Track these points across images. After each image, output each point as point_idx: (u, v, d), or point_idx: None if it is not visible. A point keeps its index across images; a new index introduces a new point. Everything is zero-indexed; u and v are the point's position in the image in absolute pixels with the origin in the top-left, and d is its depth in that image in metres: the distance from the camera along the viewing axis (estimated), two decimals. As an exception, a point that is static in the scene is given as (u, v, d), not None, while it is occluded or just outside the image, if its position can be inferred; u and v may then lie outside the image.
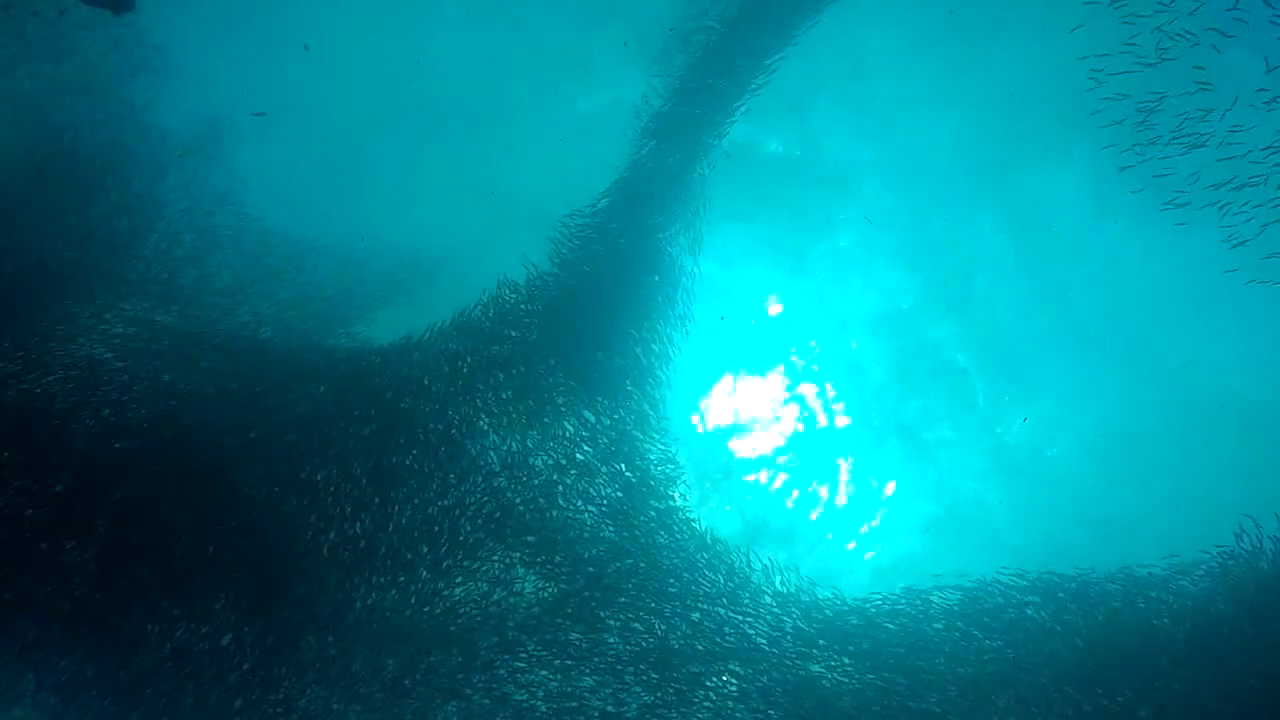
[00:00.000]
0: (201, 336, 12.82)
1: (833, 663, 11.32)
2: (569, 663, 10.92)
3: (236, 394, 11.87)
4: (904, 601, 11.86)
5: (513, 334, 12.45)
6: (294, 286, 14.92)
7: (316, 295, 15.10)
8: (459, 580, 11.11)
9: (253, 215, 15.23)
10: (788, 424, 18.15)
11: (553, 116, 17.93)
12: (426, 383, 11.99)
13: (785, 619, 11.79)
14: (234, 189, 15.38)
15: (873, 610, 11.99)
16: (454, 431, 11.71)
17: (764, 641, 11.47)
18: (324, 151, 17.47)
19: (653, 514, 12.14)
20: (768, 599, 11.91)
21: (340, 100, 17.31)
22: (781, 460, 18.15)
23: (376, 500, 11.23)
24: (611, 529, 11.73)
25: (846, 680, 11.09)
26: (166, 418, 11.46)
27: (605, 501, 11.95)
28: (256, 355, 12.71)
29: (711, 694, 10.98)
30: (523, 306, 12.65)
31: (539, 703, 10.76)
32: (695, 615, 11.41)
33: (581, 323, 12.74)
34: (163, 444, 11.19)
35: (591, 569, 11.42)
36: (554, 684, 10.80)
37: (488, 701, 10.75)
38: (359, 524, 11.13)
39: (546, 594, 11.23)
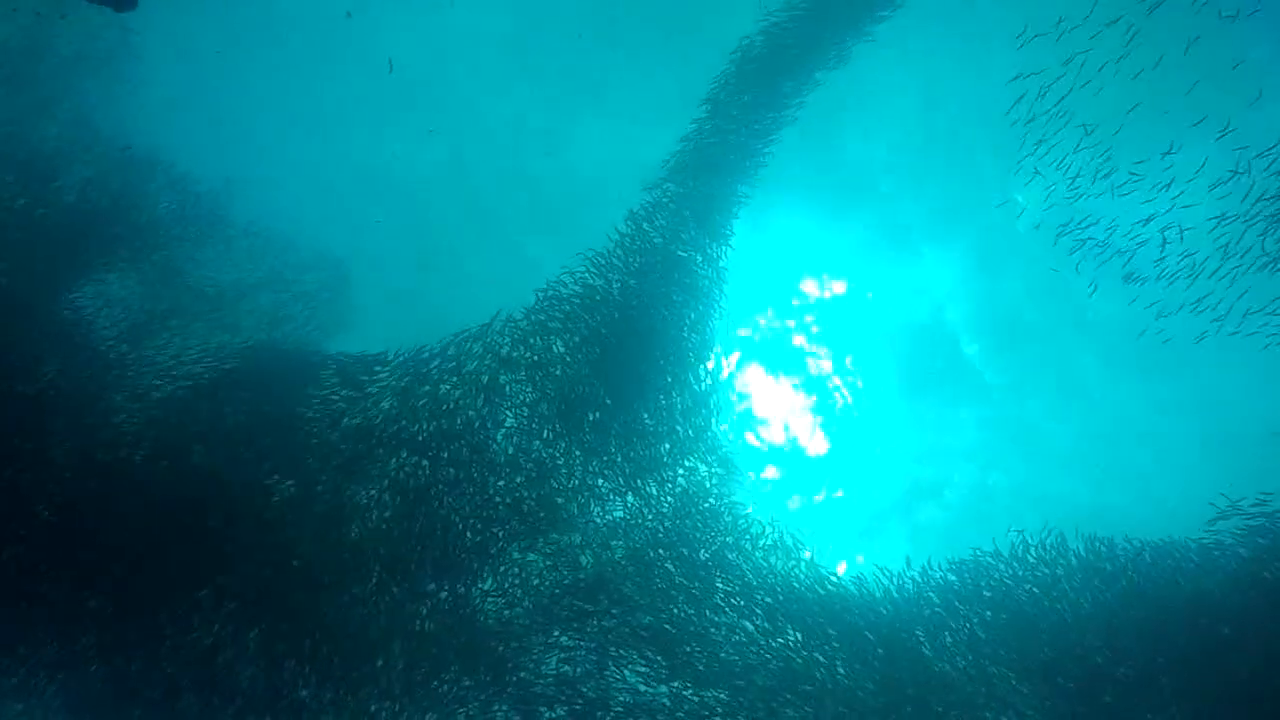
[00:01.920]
0: (200, 338, 12.89)
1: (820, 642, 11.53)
2: (574, 646, 11.08)
3: (243, 399, 11.97)
4: (903, 581, 12.04)
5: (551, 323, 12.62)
6: (294, 289, 14.98)
7: (319, 298, 15.18)
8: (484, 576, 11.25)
9: (258, 220, 15.27)
10: (801, 409, 18.47)
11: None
12: (444, 388, 12.12)
13: (780, 599, 11.96)
14: (234, 194, 15.40)
15: (868, 593, 12.17)
16: (472, 435, 11.84)
17: (760, 619, 11.65)
18: (335, 155, 17.44)
19: (668, 497, 12.29)
20: (771, 579, 12.09)
21: (355, 102, 17.28)
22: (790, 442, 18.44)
23: (396, 503, 11.33)
24: (623, 511, 11.88)
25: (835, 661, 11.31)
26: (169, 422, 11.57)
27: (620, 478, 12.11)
28: (258, 358, 12.78)
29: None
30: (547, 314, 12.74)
31: (546, 688, 10.90)
32: (697, 594, 11.57)
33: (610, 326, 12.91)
34: (168, 449, 11.29)
35: (603, 553, 11.60)
36: (565, 669, 10.94)
37: (493, 689, 10.89)
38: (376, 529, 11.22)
39: (556, 580, 11.36)
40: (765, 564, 11.89)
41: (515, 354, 12.24)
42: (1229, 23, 14.09)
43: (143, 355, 12.31)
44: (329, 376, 12.38)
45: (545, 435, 11.88)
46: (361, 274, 15.99)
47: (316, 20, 16.43)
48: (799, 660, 11.46)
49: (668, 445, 12.46)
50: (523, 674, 10.88)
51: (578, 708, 10.91)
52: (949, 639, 11.22)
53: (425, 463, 11.68)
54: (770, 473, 18.33)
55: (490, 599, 11.13)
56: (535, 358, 12.26)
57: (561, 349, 12.40)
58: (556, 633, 11.07)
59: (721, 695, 11.12)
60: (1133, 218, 15.56)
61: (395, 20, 17.09)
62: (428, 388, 12.22)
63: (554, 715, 10.90)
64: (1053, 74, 15.11)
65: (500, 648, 10.85)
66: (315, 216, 16.03)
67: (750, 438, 18.21)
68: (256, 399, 12.13)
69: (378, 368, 12.49)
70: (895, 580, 12.01)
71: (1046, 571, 11.15)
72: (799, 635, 11.63)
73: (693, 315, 13.49)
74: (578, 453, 11.83)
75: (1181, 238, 14.88)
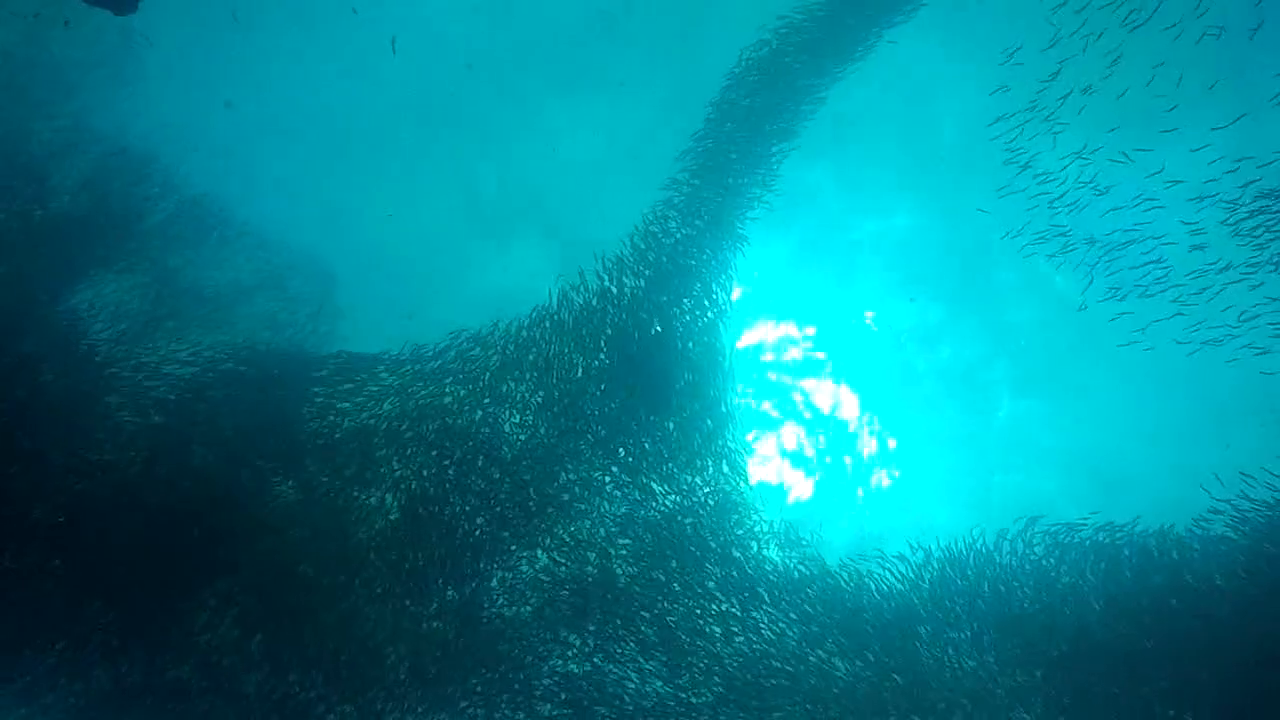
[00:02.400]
0: (198, 341, 12.79)
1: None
2: (579, 644, 11.12)
3: (242, 401, 11.89)
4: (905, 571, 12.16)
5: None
6: (293, 291, 14.90)
7: (318, 299, 15.11)
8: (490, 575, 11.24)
9: (256, 222, 15.19)
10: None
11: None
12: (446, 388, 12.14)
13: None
14: (232, 197, 15.30)
15: (869, 583, 12.24)
16: (477, 434, 11.84)
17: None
18: (335, 157, 17.27)
19: (674, 494, 12.34)
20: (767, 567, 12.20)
21: (355, 101, 17.15)
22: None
23: (401, 504, 11.31)
24: (626, 507, 11.92)
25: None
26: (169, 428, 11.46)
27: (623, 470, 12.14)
28: (258, 360, 12.68)
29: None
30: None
31: (551, 685, 10.94)
32: (700, 591, 11.64)
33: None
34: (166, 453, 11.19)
35: (609, 548, 11.65)
36: (571, 667, 10.96)
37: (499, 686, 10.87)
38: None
39: (562, 577, 11.36)
40: (770, 559, 11.96)
41: (521, 355, 12.26)
42: (1212, 40, 14.46)
43: (140, 358, 12.19)
44: (330, 377, 12.35)
45: (552, 435, 11.89)
46: (364, 275, 15.90)
47: (316, 21, 16.35)
48: (798, 652, 11.54)
49: (676, 444, 12.48)
50: (526, 672, 10.85)
51: (582, 705, 10.91)
52: (952, 633, 11.35)
53: (430, 463, 11.65)
54: (782, 469, 18.40)
55: (499, 598, 11.10)
56: (543, 361, 12.27)
57: (570, 349, 12.43)
58: (563, 632, 11.06)
59: (718, 690, 11.17)
60: (1111, 227, 15.93)
61: (397, 13, 16.99)
62: (431, 388, 12.23)
63: (559, 714, 10.90)
64: (1035, 88, 15.41)
65: (506, 647, 10.82)
66: (315, 218, 15.94)
67: (763, 428, 18.22)
68: (256, 401, 12.06)
69: (379, 369, 12.48)
70: (897, 570, 12.13)
71: (1051, 563, 11.32)
72: (799, 629, 11.72)
73: (703, 321, 13.49)
74: (584, 450, 11.85)
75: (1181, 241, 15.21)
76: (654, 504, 12.03)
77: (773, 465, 18.47)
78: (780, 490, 18.27)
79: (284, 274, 15.04)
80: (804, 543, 12.38)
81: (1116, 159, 15.38)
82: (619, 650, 11.17)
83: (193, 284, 13.88)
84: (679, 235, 13.69)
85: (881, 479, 18.37)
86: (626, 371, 12.36)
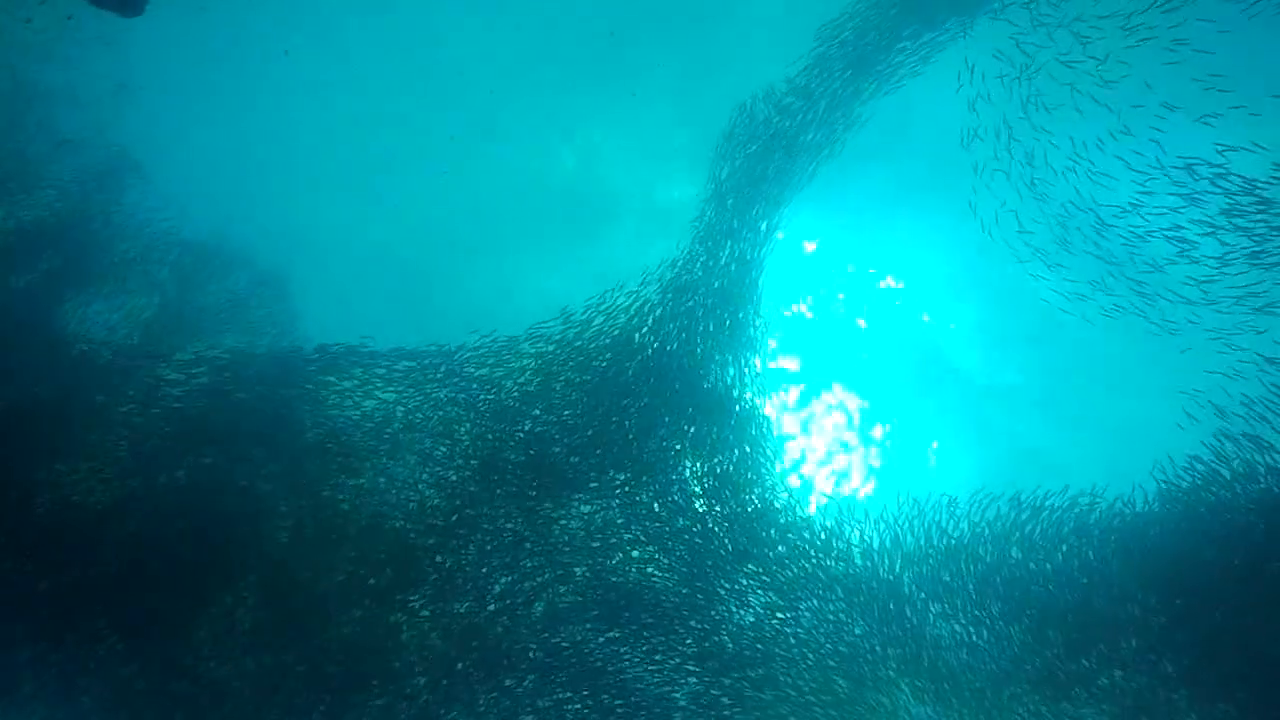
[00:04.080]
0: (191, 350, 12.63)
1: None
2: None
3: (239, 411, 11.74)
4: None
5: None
6: (290, 297, 14.81)
7: (315, 302, 14.99)
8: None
9: (254, 228, 15.11)
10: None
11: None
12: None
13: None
14: (225, 203, 15.23)
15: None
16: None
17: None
18: (338, 158, 17.05)
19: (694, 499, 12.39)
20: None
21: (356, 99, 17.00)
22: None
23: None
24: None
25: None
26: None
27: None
28: (255, 367, 12.52)
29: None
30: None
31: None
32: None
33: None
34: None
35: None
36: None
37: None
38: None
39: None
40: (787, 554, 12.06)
41: (555, 364, 12.29)
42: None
43: (134, 368, 11.99)
44: (328, 381, 12.23)
45: (568, 441, 11.89)
46: (367, 277, 15.83)
47: (316, 23, 16.29)
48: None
49: (680, 445, 12.55)
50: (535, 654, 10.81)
51: (585, 694, 10.92)
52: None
53: (437, 473, 11.58)
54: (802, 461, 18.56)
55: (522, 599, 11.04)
56: (575, 375, 12.32)
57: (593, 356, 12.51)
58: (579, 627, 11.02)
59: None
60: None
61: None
62: (429, 391, 12.17)
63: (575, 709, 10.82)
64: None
65: (521, 645, 10.75)
66: (316, 221, 15.85)
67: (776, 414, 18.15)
68: (250, 409, 11.91)
69: (377, 372, 12.38)
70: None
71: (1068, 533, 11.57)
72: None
73: (721, 338, 13.55)
74: (600, 448, 11.88)
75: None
76: (688, 514, 12.06)
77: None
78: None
79: (287, 282, 14.94)
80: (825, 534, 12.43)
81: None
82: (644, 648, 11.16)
83: (184, 296, 13.73)
84: (704, 243, 13.72)
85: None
86: (647, 379, 12.46)
